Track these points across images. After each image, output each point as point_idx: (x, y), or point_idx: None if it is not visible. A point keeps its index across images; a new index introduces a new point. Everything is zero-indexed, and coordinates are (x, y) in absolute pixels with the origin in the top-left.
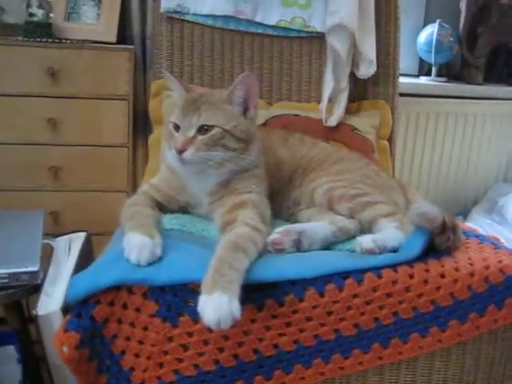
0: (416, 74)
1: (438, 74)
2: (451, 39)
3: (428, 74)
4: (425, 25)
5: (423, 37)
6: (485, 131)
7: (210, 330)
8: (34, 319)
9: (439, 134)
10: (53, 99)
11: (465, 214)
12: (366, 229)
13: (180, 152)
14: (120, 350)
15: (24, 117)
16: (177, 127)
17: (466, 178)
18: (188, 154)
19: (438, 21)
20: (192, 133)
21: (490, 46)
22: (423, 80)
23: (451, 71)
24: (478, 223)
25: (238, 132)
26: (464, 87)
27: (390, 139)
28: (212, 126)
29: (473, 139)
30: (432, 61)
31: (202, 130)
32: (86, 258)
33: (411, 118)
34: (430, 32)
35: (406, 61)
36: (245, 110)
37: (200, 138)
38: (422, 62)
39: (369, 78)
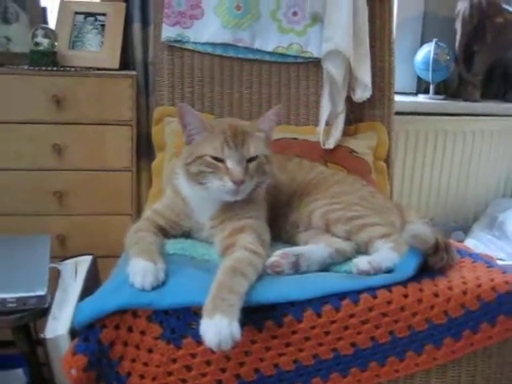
0: (414, 92)
1: (436, 92)
2: (448, 58)
3: (426, 92)
4: (422, 44)
5: (420, 56)
6: (483, 147)
7: (212, 351)
8: (41, 342)
9: (438, 151)
10: (58, 126)
11: (466, 229)
12: (362, 250)
13: (240, 183)
14: (126, 372)
15: (30, 143)
16: (218, 160)
17: (466, 193)
18: (247, 183)
19: (434, 40)
20: (244, 164)
21: (486, 64)
22: (421, 98)
23: (449, 89)
24: (479, 239)
25: (270, 157)
26: (462, 104)
27: (387, 160)
28: (256, 156)
29: (471, 156)
30: (429, 79)
31: (249, 159)
32: (92, 281)
33: (410, 136)
34: (426, 51)
35: (403, 79)
36: (267, 137)
37: (251, 167)
38: (419, 80)
39: (365, 101)
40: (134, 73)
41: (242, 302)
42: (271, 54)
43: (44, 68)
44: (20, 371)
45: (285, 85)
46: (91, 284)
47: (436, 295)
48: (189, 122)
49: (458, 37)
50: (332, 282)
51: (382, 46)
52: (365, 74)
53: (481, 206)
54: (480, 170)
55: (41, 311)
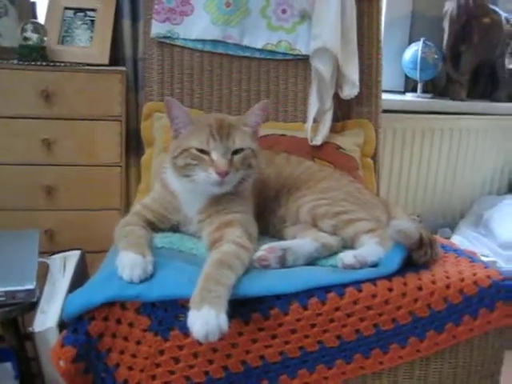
0: (402, 90)
1: (424, 91)
2: (435, 57)
3: (414, 90)
4: (410, 43)
5: (408, 54)
6: (469, 146)
7: (199, 343)
8: (30, 336)
9: (425, 149)
10: (47, 120)
11: (452, 226)
12: (348, 244)
13: (225, 175)
14: (114, 363)
15: (19, 138)
16: (203, 152)
17: (453, 191)
18: (231, 175)
19: (422, 39)
20: (229, 156)
21: (473, 64)
22: (409, 96)
23: (436, 88)
24: (465, 236)
25: (257, 151)
26: (449, 103)
27: (374, 157)
28: (242, 148)
29: (458, 154)
30: (417, 78)
31: (234, 152)
32: (80, 275)
33: (397, 134)
34: (414, 50)
35: (391, 78)
36: (254, 132)
37: (236, 159)
38: (407, 79)
39: (352, 99)
40: (123, 68)
41: (229, 294)
42: (260, 50)
43: (33, 63)
44: (8, 365)
45: (273, 81)
46: (79, 278)
47: (420, 289)
48: (175, 115)
49: (446, 36)
50: (318, 276)
51: (369, 43)
52: (352, 72)
53: (467, 204)
54: (466, 168)
55: (29, 305)
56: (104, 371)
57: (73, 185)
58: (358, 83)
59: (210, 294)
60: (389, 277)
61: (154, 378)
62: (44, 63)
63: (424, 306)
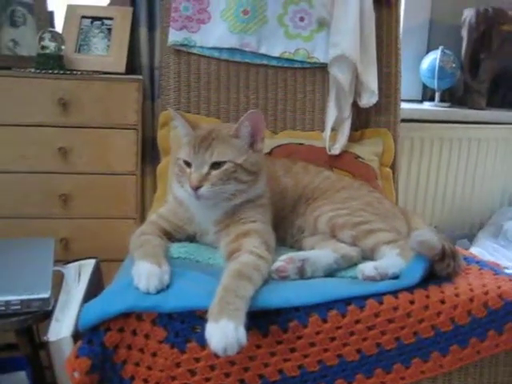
0: (419, 99)
1: (441, 100)
2: (454, 65)
3: (431, 99)
4: (428, 51)
5: (426, 63)
6: (488, 155)
7: (217, 355)
8: (44, 345)
9: (443, 159)
10: (63, 129)
11: (471, 237)
12: (368, 256)
13: (196, 188)
14: (129, 376)
15: (35, 146)
16: (187, 164)
17: (472, 201)
18: (204, 190)
19: (440, 47)
20: (206, 169)
21: (492, 72)
22: (427, 105)
23: (454, 96)
24: (484, 247)
25: (249, 165)
26: (467, 112)
27: (393, 166)
28: (224, 162)
29: (477, 163)
30: (435, 87)
31: (215, 165)
32: (95, 284)
33: (415, 144)
34: (432, 58)
35: (409, 87)
36: (251, 144)
37: (214, 173)
38: (425, 87)
39: (371, 107)
40: (140, 77)
41: (247, 306)
42: (277, 59)
43: (50, 71)
44: (23, 374)
45: (291, 90)
46: (94, 287)
47: (442, 302)
48: (178, 125)
49: (464, 44)
50: (338, 288)
51: (388, 52)
52: (371, 80)
53: (486, 215)
54: (485, 178)
55: (44, 314)
56: (119, 383)
57: (88, 193)
58: (376, 91)
59: (228, 306)
60: (410, 289)
61: None
62: (61, 72)
63: (447, 319)
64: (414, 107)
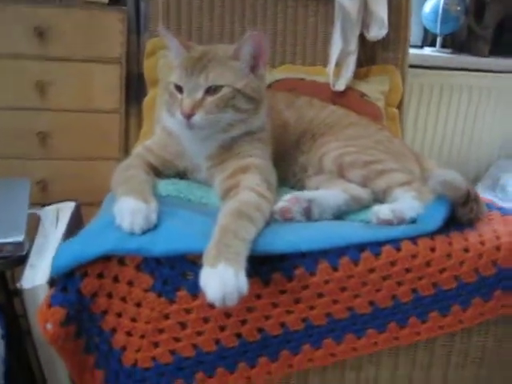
0: (420, 44)
1: (443, 45)
2: (458, 8)
3: (432, 44)
4: None
5: (429, 6)
6: (489, 105)
7: (210, 306)
8: (18, 292)
9: (443, 107)
10: (40, 61)
11: None
12: (379, 198)
13: (188, 116)
14: (110, 328)
15: (9, 80)
16: (179, 89)
17: (469, 152)
18: (197, 118)
19: None
20: (200, 94)
21: (498, 17)
22: (427, 51)
23: (456, 42)
24: None
25: (249, 91)
26: (470, 59)
27: (400, 107)
28: (221, 86)
29: (476, 113)
30: (437, 31)
31: (211, 90)
32: (75, 229)
33: (414, 90)
34: (436, 0)
35: None
36: (253, 67)
37: (209, 99)
38: (425, 32)
39: (378, 42)
40: (125, 7)
41: (248, 250)
42: None
43: None
44: None
45: (291, 20)
46: (74, 232)
47: (466, 250)
48: (170, 47)
49: None
50: (350, 232)
51: None
52: (381, 9)
53: (483, 166)
54: (485, 129)
55: (18, 259)
56: (98, 336)
57: (68, 132)
58: (386, 22)
59: (227, 248)
60: (431, 235)
61: (156, 345)
62: None
63: (471, 269)
64: (414, 52)
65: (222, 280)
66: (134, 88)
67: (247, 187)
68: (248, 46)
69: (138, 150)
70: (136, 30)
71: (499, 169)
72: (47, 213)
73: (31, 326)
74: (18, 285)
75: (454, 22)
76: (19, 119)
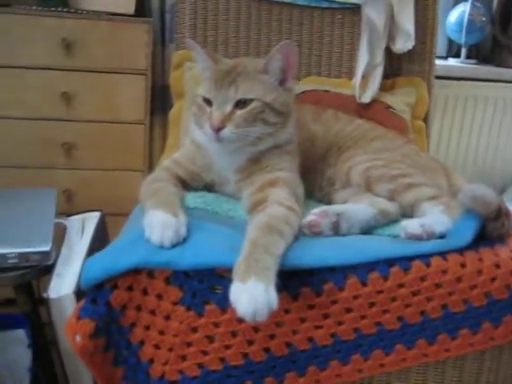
0: (444, 55)
1: (467, 56)
2: (483, 19)
3: (457, 55)
4: (455, 3)
5: (454, 16)
6: None
7: (239, 320)
8: (45, 302)
9: (467, 118)
10: (67, 72)
11: None
12: (407, 212)
13: (218, 129)
14: (138, 340)
15: (36, 90)
16: (208, 102)
17: (494, 164)
18: (227, 131)
19: None
20: (229, 108)
21: None
22: (452, 62)
23: (481, 53)
24: None
25: (278, 105)
26: (495, 70)
27: (426, 119)
28: (251, 100)
29: (501, 125)
30: (462, 42)
31: (240, 104)
32: (100, 239)
33: (439, 102)
34: (461, 11)
35: None
36: (282, 81)
37: (239, 113)
38: (450, 43)
39: (404, 54)
40: (150, 19)
41: (278, 265)
42: None
43: (53, 9)
44: (21, 332)
45: (317, 32)
46: (99, 242)
47: (497, 266)
48: (198, 59)
49: None
50: (379, 247)
51: None
52: (407, 22)
53: (508, 178)
54: (509, 140)
55: (44, 268)
56: (126, 349)
57: (93, 142)
58: (413, 35)
59: (257, 263)
60: (461, 250)
61: (183, 358)
62: (65, 10)
63: (502, 286)
64: (438, 63)
65: (252, 295)
66: (159, 99)
67: (276, 201)
68: (278, 61)
69: (166, 162)
70: (161, 41)
71: None
72: (73, 222)
73: (57, 336)
74: (44, 294)
75: (479, 33)
76: (45, 130)
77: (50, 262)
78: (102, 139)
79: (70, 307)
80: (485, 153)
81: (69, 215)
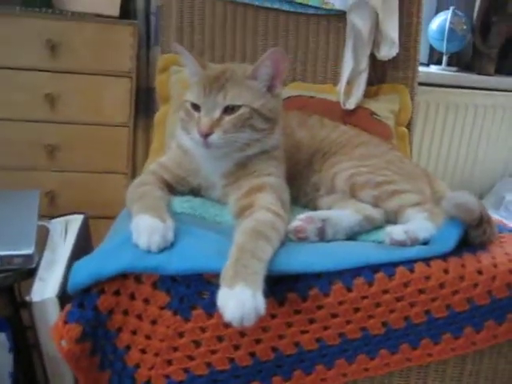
0: (426, 62)
1: (448, 64)
2: (464, 27)
3: (438, 63)
4: (437, 12)
5: (435, 24)
6: (494, 124)
7: (225, 325)
8: (27, 305)
9: (448, 125)
10: (51, 74)
11: None
12: (391, 219)
13: (206, 135)
14: (125, 345)
15: (20, 92)
16: (196, 107)
17: (474, 171)
18: (215, 137)
19: (451, 8)
20: (217, 114)
21: (504, 36)
22: (433, 69)
23: (462, 61)
24: None
25: (266, 111)
26: (476, 78)
27: (409, 126)
28: (239, 106)
29: (481, 131)
30: (443, 49)
31: (228, 110)
32: (83, 242)
33: (420, 108)
34: (442, 19)
35: None
36: (270, 87)
37: (227, 118)
38: (431, 50)
39: (388, 61)
40: (135, 21)
41: (265, 270)
42: (290, 3)
43: (37, 9)
44: (2, 335)
45: (303, 38)
46: (82, 245)
47: (480, 272)
48: (186, 64)
49: (477, 6)
50: (364, 253)
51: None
52: (392, 29)
53: (488, 184)
54: (489, 147)
55: (27, 272)
56: (112, 353)
57: (77, 144)
58: (397, 42)
59: (245, 269)
60: (444, 257)
61: (169, 363)
62: (49, 11)
63: (484, 292)
64: (420, 70)
65: (239, 301)
66: (143, 101)
67: (263, 207)
68: (267, 67)
69: (152, 166)
70: (146, 43)
71: (503, 187)
72: (56, 225)
73: (39, 340)
74: (27, 298)
75: (460, 41)
76: (29, 131)
77: (33, 266)
78: (85, 141)
79: (53, 311)
80: (465, 159)
81: (52, 218)
